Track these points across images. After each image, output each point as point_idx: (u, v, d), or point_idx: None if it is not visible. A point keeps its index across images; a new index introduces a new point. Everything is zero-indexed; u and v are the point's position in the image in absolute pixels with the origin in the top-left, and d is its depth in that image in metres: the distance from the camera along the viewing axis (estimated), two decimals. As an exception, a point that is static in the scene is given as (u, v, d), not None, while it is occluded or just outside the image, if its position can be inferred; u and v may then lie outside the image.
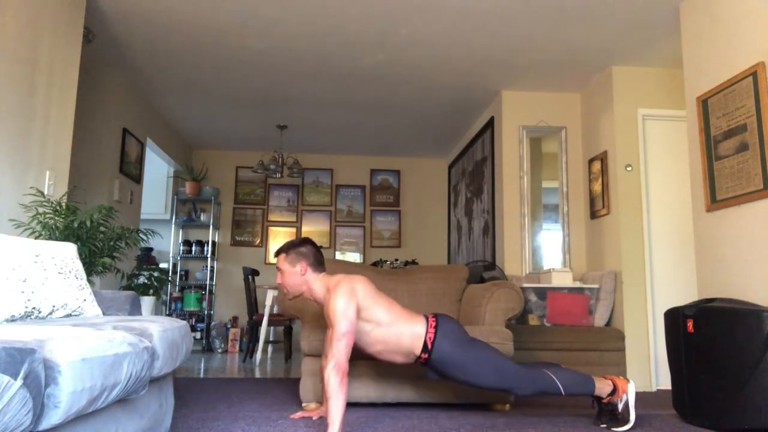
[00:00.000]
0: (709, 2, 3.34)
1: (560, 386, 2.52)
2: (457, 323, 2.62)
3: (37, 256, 2.11)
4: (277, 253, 2.66)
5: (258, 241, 7.25)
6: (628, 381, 2.63)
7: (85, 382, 1.28)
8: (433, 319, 2.57)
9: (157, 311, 4.20)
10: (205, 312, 6.76)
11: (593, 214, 4.75)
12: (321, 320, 3.08)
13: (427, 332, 2.51)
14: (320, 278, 2.59)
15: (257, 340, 5.57)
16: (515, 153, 5.02)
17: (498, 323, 3.19)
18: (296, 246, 2.62)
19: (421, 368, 2.80)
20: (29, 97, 2.98)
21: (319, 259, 2.63)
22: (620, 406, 2.60)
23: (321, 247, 6.39)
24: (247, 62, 4.57)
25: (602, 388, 2.61)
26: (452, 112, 5.72)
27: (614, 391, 2.60)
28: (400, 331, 2.51)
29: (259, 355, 5.38)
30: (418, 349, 2.51)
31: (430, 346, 2.50)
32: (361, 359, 2.87)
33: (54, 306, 2.08)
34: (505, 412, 2.97)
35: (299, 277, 2.58)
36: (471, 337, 2.59)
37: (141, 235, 3.34)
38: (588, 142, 4.91)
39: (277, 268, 2.64)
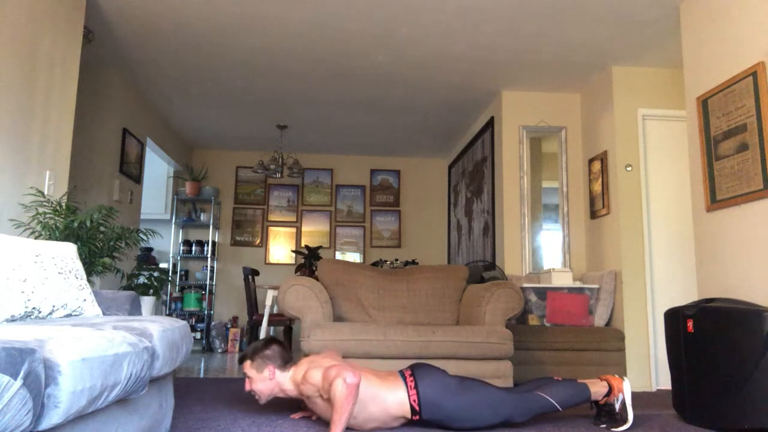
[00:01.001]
0: (709, 2, 3.34)
1: (555, 404, 2.51)
2: (436, 370, 2.54)
3: (37, 256, 2.11)
4: (241, 360, 2.60)
5: (258, 241, 7.25)
6: (623, 379, 2.62)
7: (85, 382, 1.28)
8: (411, 377, 2.49)
9: (157, 311, 4.20)
10: (205, 312, 6.75)
11: (593, 214, 4.75)
12: (321, 320, 3.08)
13: (409, 395, 2.44)
14: (290, 375, 2.56)
15: (257, 340, 5.57)
16: (515, 153, 5.02)
17: (498, 323, 3.19)
18: (260, 350, 2.58)
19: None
20: (29, 97, 2.98)
21: (285, 357, 2.59)
22: (617, 406, 2.60)
23: (320, 247, 6.40)
24: (247, 62, 4.58)
25: (598, 391, 2.60)
26: (452, 112, 5.72)
27: (610, 392, 2.60)
28: (386, 403, 2.43)
29: (259, 355, 5.37)
30: (407, 413, 2.45)
31: (417, 407, 2.43)
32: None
33: (54, 306, 2.08)
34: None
35: (269, 381, 2.54)
36: (455, 380, 2.51)
37: (141, 235, 3.34)
38: (588, 142, 4.91)
39: (244, 374, 2.59)
